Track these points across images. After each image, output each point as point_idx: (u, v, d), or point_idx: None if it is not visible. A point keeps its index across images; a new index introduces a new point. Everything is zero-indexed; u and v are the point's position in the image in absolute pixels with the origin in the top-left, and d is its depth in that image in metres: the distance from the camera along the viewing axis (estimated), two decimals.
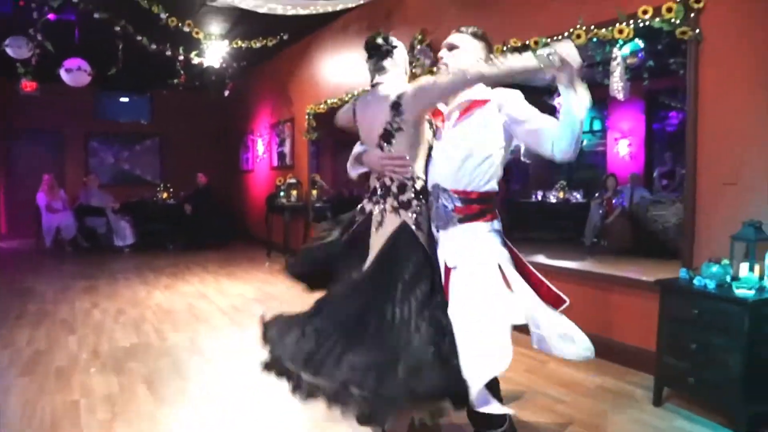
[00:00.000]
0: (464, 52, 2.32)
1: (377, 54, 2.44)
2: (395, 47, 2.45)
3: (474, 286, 2.13)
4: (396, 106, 2.26)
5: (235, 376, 3.82)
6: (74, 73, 7.57)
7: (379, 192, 2.33)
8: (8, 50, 6.72)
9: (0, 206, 11.68)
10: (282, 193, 8.96)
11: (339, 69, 7.77)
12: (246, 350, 4.35)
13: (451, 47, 2.35)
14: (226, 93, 8.87)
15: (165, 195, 11.45)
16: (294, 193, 8.87)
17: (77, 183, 11.64)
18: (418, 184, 2.30)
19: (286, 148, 9.65)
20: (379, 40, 2.43)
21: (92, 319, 5.37)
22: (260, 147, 10.96)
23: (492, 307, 2.08)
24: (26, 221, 10.92)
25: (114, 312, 5.62)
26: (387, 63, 2.44)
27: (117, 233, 10.38)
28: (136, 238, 10.52)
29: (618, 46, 3.86)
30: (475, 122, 2.24)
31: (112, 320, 5.30)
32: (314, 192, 8.67)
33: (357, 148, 2.53)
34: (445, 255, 2.23)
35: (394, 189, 2.29)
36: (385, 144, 2.31)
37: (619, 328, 3.96)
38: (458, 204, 2.23)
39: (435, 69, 2.54)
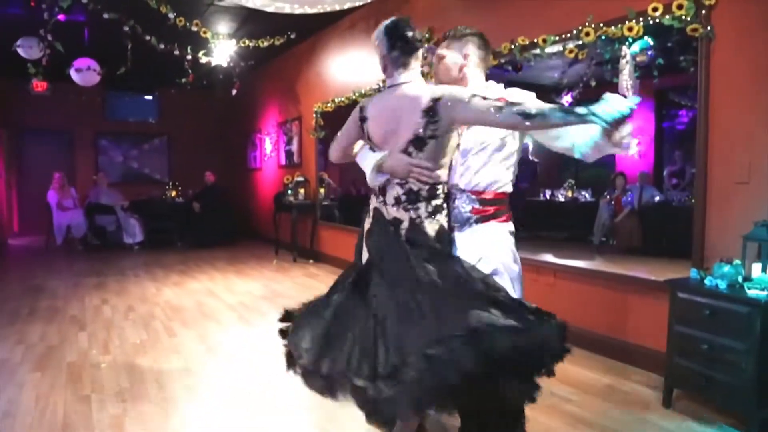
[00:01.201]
0: (469, 56, 2.36)
1: (405, 48, 2.23)
2: (422, 43, 2.26)
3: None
4: (431, 112, 2.11)
5: (243, 371, 3.82)
6: (84, 72, 7.60)
7: (404, 198, 2.19)
8: (20, 51, 6.75)
9: (12, 204, 11.75)
10: (290, 192, 8.96)
11: (346, 67, 7.77)
12: (254, 346, 4.37)
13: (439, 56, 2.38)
14: (234, 92, 8.85)
15: (173, 193, 11.48)
16: (302, 191, 8.88)
17: (87, 181, 11.73)
18: (445, 189, 2.24)
19: (294, 147, 9.65)
20: (410, 33, 2.22)
21: (102, 315, 5.39)
22: (268, 145, 10.96)
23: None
24: (37, 219, 10.97)
25: (124, 309, 5.65)
26: (413, 59, 2.25)
27: (126, 231, 10.42)
28: (145, 236, 10.56)
29: (627, 43, 3.83)
30: None
31: (122, 317, 5.32)
32: (322, 190, 8.67)
33: (366, 151, 2.33)
34: (462, 256, 2.17)
35: (424, 194, 2.18)
36: (416, 151, 2.16)
37: (628, 328, 3.93)
38: (476, 206, 2.23)
39: (433, 63, 2.50)
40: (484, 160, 2.22)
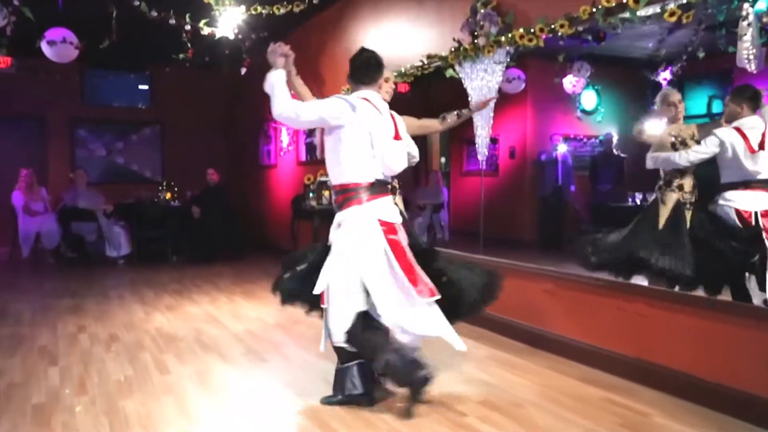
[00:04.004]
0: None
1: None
2: None
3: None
4: None
5: (252, 420, 3.80)
6: (58, 46, 7.66)
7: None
8: None
9: None
10: (311, 194, 8.97)
11: (381, 40, 7.74)
12: (266, 388, 4.35)
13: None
14: (243, 70, 8.91)
15: (168, 195, 11.61)
16: (326, 193, 8.87)
17: (61, 180, 11.87)
18: None
19: (317, 139, 9.65)
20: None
21: (78, 346, 5.43)
22: (284, 137, 11.01)
23: None
24: None
25: (105, 338, 5.69)
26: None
27: (109, 241, 10.55)
28: (133, 248, 10.68)
29: (750, 1, 3.70)
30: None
31: (103, 348, 5.35)
32: None
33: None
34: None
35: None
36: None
37: (740, 372, 3.79)
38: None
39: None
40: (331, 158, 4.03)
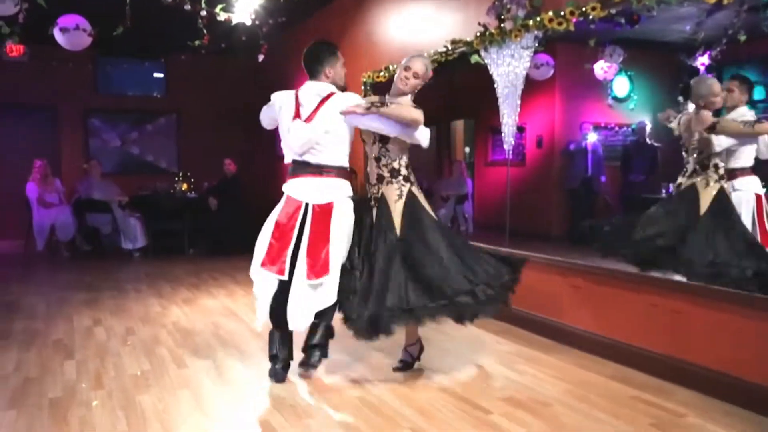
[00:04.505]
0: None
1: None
2: None
3: None
4: None
5: (269, 416, 3.81)
6: (71, 33, 7.68)
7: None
8: None
9: None
10: None
11: (402, 25, 7.72)
12: (286, 384, 4.37)
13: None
14: (261, 57, 8.92)
15: (184, 186, 11.68)
16: None
17: (76, 171, 11.94)
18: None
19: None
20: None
21: (94, 340, 5.49)
22: None
23: None
24: (12, 218, 11.20)
25: (121, 332, 5.75)
26: None
27: (125, 234, 10.64)
28: (149, 240, 10.78)
29: None
30: None
31: (119, 342, 5.41)
32: None
33: None
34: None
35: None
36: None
37: None
38: None
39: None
40: None
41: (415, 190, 4.39)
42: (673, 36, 5.45)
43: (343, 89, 4.60)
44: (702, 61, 5.12)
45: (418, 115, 4.22)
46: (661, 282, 4.55)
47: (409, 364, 4.57)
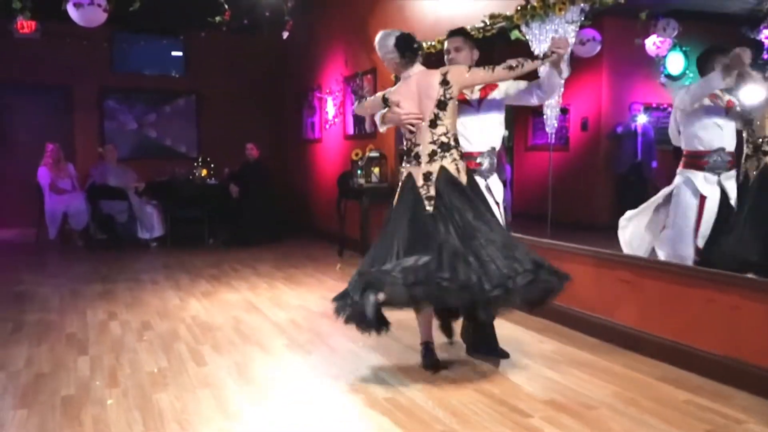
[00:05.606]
0: (464, 51, 4.77)
1: (414, 54, 4.59)
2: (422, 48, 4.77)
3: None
4: (445, 82, 4.40)
5: (293, 417, 3.82)
6: (85, 8, 7.69)
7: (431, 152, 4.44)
8: None
9: None
10: (360, 171, 8.96)
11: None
12: (310, 382, 4.37)
13: (457, 49, 4.79)
14: (285, 35, 8.92)
15: (204, 172, 11.73)
16: (376, 170, 8.87)
17: (90, 155, 12.04)
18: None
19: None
20: (415, 45, 4.60)
21: (109, 334, 5.54)
22: (330, 108, 11.02)
23: None
24: (23, 205, 11.28)
25: (137, 326, 5.79)
26: (418, 57, 4.62)
27: (141, 222, 10.72)
28: (166, 229, 10.85)
29: None
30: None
31: (135, 337, 5.45)
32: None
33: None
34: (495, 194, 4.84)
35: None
36: (441, 111, 4.40)
37: None
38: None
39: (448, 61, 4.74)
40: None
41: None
42: (734, 7, 5.35)
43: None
44: (766, 33, 5.02)
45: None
46: (718, 275, 4.46)
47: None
